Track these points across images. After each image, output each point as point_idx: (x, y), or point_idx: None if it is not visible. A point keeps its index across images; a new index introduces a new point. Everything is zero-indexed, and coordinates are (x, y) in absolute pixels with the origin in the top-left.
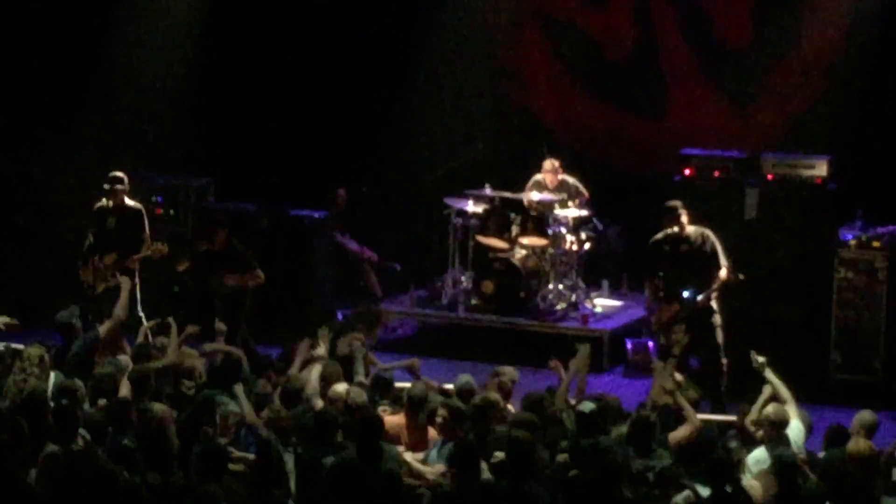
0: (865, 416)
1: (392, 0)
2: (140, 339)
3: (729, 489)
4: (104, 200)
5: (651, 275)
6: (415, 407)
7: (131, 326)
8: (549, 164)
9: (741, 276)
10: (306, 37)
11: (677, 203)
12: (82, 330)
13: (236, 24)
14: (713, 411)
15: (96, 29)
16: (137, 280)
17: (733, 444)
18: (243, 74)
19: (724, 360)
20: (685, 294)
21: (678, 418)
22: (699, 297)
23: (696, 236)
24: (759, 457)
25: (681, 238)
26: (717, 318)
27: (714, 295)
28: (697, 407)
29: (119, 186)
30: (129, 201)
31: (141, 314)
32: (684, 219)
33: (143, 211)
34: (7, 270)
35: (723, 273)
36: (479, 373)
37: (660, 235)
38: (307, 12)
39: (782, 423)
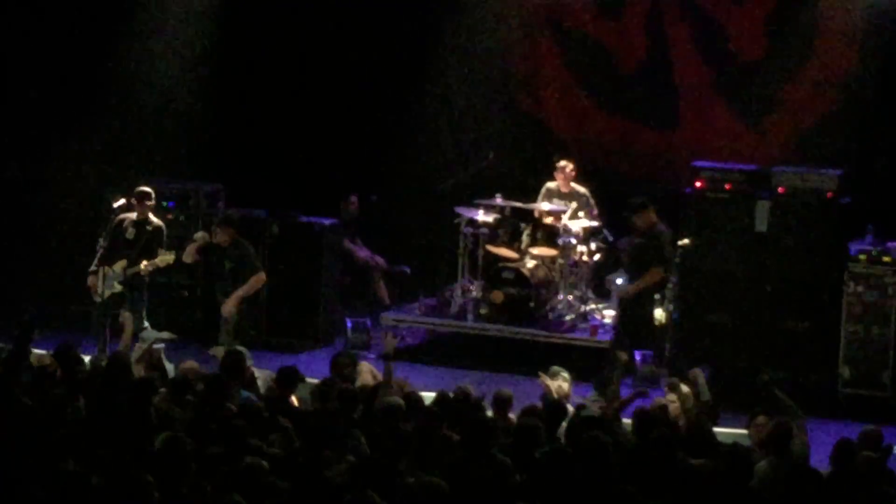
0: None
1: (405, 8)
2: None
3: None
4: (124, 209)
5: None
6: None
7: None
8: (563, 163)
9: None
10: (319, 45)
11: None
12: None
13: (250, 29)
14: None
15: (109, 34)
16: (145, 290)
17: None
18: (256, 80)
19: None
20: (617, 281)
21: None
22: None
23: (648, 233)
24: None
25: (637, 231)
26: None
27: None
28: None
29: (148, 203)
30: (152, 217)
31: (146, 325)
32: (651, 215)
33: (164, 228)
34: (19, 272)
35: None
36: (487, 382)
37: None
38: (320, 20)
39: (786, 436)
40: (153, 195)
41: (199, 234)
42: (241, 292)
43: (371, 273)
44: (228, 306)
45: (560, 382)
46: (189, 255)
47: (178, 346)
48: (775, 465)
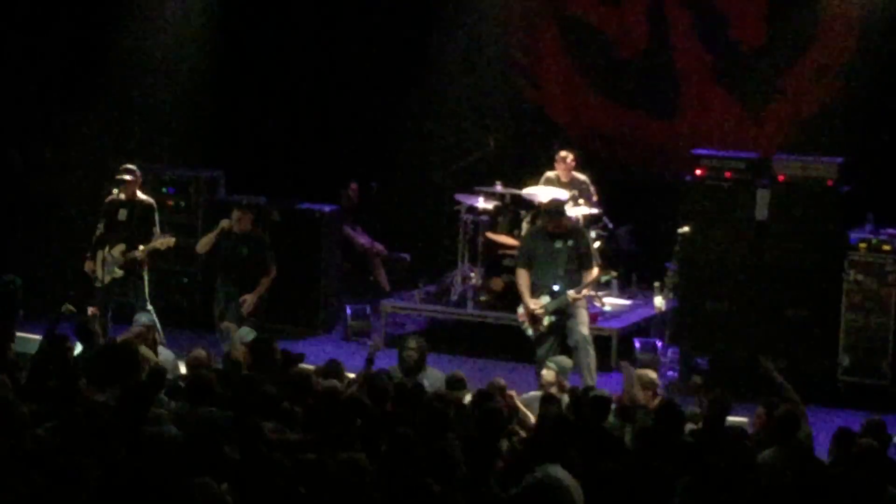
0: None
1: None
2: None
3: None
4: (116, 192)
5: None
6: None
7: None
8: (564, 154)
9: None
10: (320, 31)
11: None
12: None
13: (250, 16)
14: None
15: (110, 17)
16: (146, 274)
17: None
18: (257, 67)
19: None
20: (554, 287)
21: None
22: (570, 293)
23: (567, 234)
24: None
25: (556, 235)
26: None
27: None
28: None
29: (131, 179)
30: (140, 195)
31: (150, 308)
32: (563, 220)
33: (155, 205)
34: (16, 255)
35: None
36: (487, 370)
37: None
38: (321, 8)
39: (794, 424)
40: (138, 172)
41: (225, 222)
42: (258, 293)
43: (371, 260)
44: (249, 307)
45: (543, 371)
46: (204, 246)
47: (177, 333)
48: (781, 453)
